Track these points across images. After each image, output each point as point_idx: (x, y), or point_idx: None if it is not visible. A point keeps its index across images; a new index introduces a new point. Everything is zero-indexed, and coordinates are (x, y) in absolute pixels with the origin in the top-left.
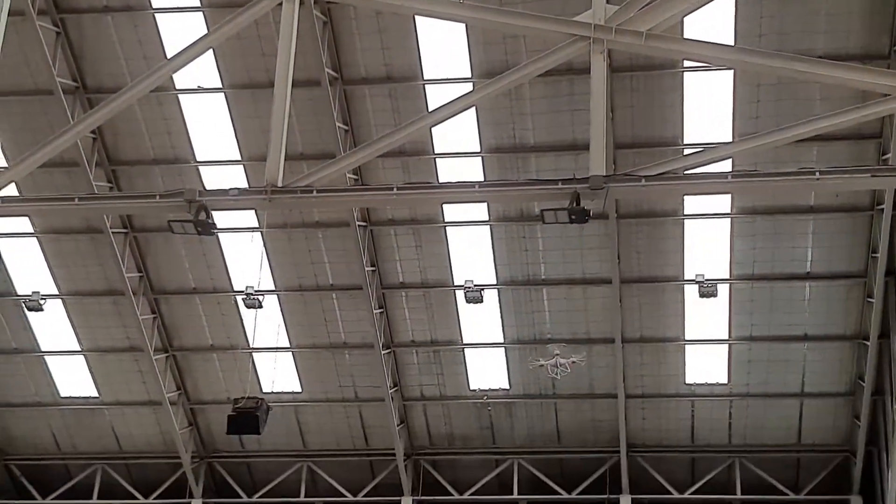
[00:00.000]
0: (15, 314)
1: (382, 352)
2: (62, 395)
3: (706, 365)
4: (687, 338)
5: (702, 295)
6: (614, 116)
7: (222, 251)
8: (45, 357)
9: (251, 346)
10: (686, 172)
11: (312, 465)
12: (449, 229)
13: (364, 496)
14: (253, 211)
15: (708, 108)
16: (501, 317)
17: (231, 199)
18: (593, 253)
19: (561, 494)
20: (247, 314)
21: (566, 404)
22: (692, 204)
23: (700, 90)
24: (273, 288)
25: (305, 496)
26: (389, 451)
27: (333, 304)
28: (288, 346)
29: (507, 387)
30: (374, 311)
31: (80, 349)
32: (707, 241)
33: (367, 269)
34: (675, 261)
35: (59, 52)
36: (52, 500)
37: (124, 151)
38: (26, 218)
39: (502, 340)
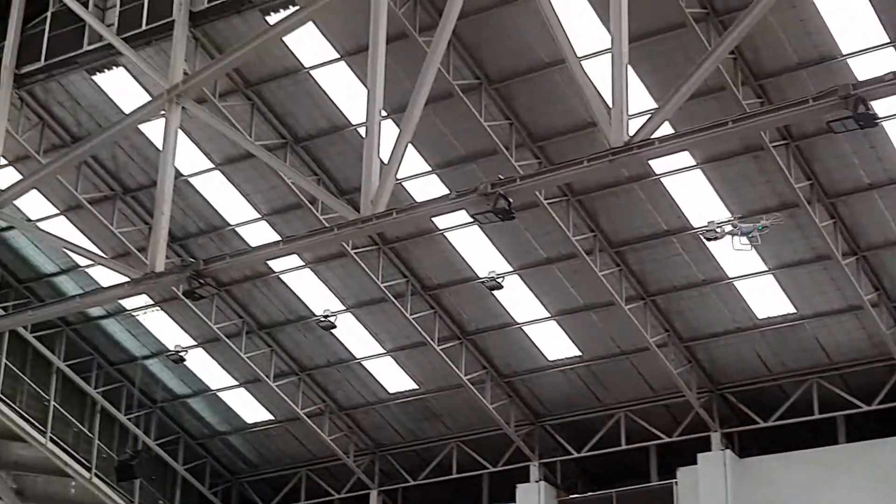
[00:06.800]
0: (695, 247)
1: None
2: (759, 316)
3: None
4: None
5: None
6: None
7: (891, 140)
8: (734, 283)
9: None
10: None
11: None
12: None
13: None
14: None
15: None
16: None
17: (887, 84)
18: None
19: None
20: None
21: None
22: None
23: None
24: None
25: None
26: None
27: None
28: None
29: None
30: None
31: (766, 269)
32: None
33: None
34: None
35: None
36: (773, 422)
37: (767, 64)
38: (685, 152)
39: None
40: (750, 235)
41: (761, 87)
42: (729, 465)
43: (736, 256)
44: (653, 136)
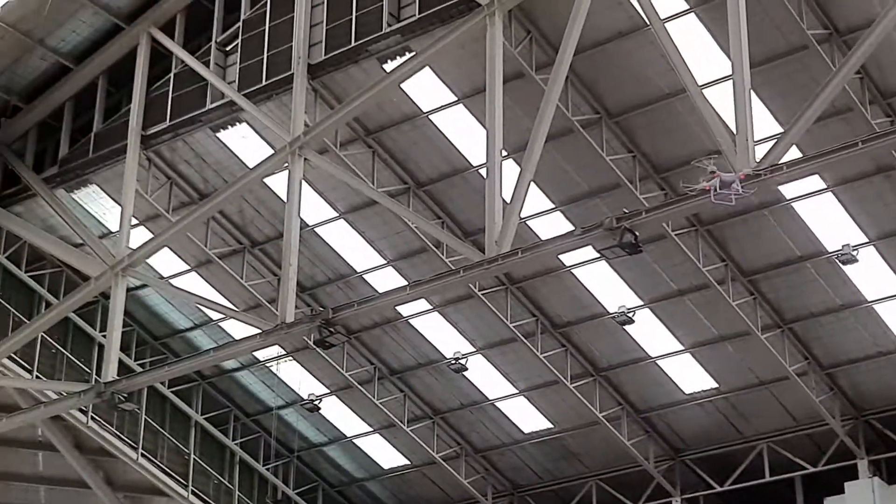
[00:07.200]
0: (830, 272)
1: None
2: None
3: None
4: None
5: None
6: None
7: None
8: (874, 306)
9: None
10: None
11: None
12: None
13: None
14: None
15: None
16: None
17: None
18: None
19: None
20: None
21: None
22: None
23: None
24: None
25: None
26: None
27: None
28: None
29: None
30: None
31: None
32: None
33: None
34: None
35: (804, 7)
36: None
37: (894, 81)
38: (815, 175)
39: None
40: (731, 184)
41: (889, 106)
42: (878, 493)
43: (870, 279)
44: (781, 161)
